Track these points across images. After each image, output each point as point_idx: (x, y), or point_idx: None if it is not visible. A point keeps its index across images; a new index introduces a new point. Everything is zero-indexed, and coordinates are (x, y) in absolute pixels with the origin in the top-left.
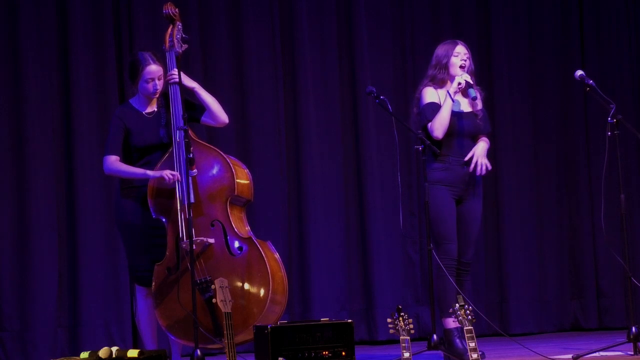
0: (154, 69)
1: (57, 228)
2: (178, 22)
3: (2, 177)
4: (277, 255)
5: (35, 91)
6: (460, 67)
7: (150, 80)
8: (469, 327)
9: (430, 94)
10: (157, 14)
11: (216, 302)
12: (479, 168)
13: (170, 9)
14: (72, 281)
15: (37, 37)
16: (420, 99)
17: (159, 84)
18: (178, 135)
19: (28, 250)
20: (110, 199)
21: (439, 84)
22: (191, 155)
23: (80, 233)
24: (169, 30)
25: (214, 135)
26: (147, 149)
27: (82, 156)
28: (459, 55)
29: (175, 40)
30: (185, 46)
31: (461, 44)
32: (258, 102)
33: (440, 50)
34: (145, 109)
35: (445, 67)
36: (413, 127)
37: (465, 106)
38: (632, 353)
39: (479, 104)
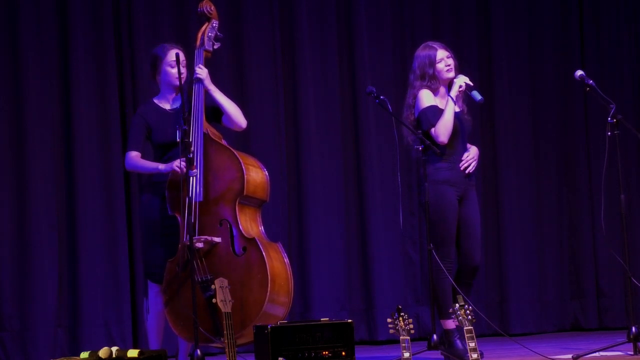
0: (176, 52)
1: (57, 228)
2: (214, 20)
3: (2, 177)
4: (284, 257)
5: (35, 91)
6: (447, 71)
7: (173, 62)
8: (469, 327)
9: (427, 97)
10: (157, 14)
11: (216, 301)
12: (470, 167)
13: (206, 7)
14: (72, 281)
15: (37, 37)
16: (416, 103)
17: (183, 70)
18: (178, 135)
19: (28, 250)
20: (111, 198)
21: (432, 92)
22: (190, 155)
23: (80, 233)
24: (203, 27)
25: (225, 132)
26: (168, 145)
27: (82, 156)
28: (443, 60)
29: (206, 38)
30: (217, 44)
31: (440, 47)
32: (258, 102)
33: (421, 59)
34: (168, 105)
35: (433, 76)
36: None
37: (457, 106)
38: (632, 353)
39: (462, 105)
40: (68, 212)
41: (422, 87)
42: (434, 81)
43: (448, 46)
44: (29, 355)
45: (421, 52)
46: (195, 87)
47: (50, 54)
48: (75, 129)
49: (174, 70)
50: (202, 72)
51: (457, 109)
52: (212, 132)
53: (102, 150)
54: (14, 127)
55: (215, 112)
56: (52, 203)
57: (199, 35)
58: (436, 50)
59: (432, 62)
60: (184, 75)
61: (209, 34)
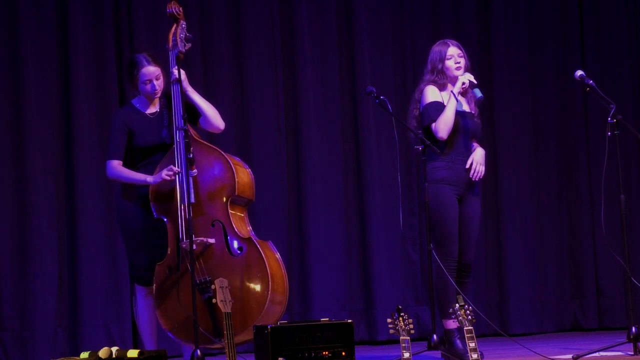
0: (150, 70)
1: (57, 228)
2: (182, 21)
3: (2, 177)
4: (277, 255)
5: (35, 91)
6: (456, 69)
7: (147, 81)
8: (469, 327)
9: (432, 93)
10: (157, 13)
11: (216, 302)
12: (476, 174)
13: (174, 8)
14: (72, 281)
15: (37, 37)
16: (421, 98)
17: (158, 84)
18: (178, 136)
19: (28, 250)
20: (111, 198)
21: (440, 87)
22: (191, 156)
23: (80, 233)
24: (173, 29)
25: (214, 134)
26: (149, 149)
27: (82, 156)
28: (453, 57)
29: (179, 40)
30: (188, 45)
31: (453, 45)
32: (258, 102)
33: (433, 54)
34: (148, 109)
35: (441, 71)
36: (412, 126)
37: (465, 106)
38: (632, 353)
39: (475, 109)
40: (68, 212)
41: (429, 82)
42: (441, 76)
43: None
44: (29, 355)
45: (435, 47)
46: (173, 89)
47: (50, 53)
48: (75, 129)
49: (148, 87)
50: (176, 74)
51: (467, 109)
52: (194, 132)
53: (102, 150)
54: (14, 127)
55: (191, 114)
56: (52, 203)
57: (170, 37)
58: (449, 46)
59: (442, 57)
60: (160, 88)
61: (180, 35)
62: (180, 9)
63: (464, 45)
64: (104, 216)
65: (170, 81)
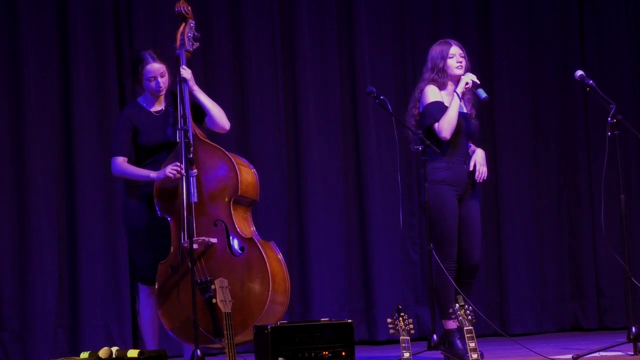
0: (154, 67)
1: (57, 228)
2: (190, 20)
3: (2, 177)
4: (279, 256)
5: (35, 91)
6: (457, 68)
7: (152, 78)
8: (469, 327)
9: (433, 93)
10: (157, 13)
11: (216, 302)
12: (480, 176)
13: (183, 7)
14: (72, 281)
15: (37, 37)
16: (421, 97)
17: (162, 82)
18: (178, 136)
19: (28, 250)
20: (111, 198)
21: (439, 87)
22: (191, 156)
23: (80, 233)
24: (181, 28)
25: (215, 134)
26: (154, 148)
27: (82, 156)
28: (455, 57)
29: (186, 39)
30: (196, 44)
31: (455, 44)
32: (258, 102)
33: (434, 52)
34: (153, 107)
35: (442, 70)
36: (411, 125)
37: (464, 107)
38: (632, 353)
39: (472, 110)
40: (68, 212)
41: (430, 81)
42: (442, 74)
43: None
44: (29, 355)
45: (437, 45)
46: (179, 88)
47: (50, 53)
48: (76, 129)
49: (153, 84)
50: (186, 72)
51: (465, 110)
52: (199, 132)
53: (102, 150)
54: (14, 128)
55: (197, 113)
56: (52, 203)
57: (178, 35)
58: (451, 45)
59: (444, 56)
60: (165, 85)
61: (188, 35)
62: (189, 8)
63: (464, 45)
64: (104, 216)
65: (176, 80)
